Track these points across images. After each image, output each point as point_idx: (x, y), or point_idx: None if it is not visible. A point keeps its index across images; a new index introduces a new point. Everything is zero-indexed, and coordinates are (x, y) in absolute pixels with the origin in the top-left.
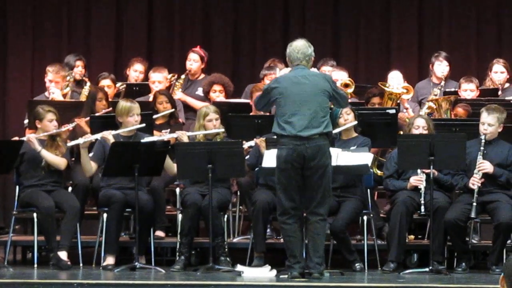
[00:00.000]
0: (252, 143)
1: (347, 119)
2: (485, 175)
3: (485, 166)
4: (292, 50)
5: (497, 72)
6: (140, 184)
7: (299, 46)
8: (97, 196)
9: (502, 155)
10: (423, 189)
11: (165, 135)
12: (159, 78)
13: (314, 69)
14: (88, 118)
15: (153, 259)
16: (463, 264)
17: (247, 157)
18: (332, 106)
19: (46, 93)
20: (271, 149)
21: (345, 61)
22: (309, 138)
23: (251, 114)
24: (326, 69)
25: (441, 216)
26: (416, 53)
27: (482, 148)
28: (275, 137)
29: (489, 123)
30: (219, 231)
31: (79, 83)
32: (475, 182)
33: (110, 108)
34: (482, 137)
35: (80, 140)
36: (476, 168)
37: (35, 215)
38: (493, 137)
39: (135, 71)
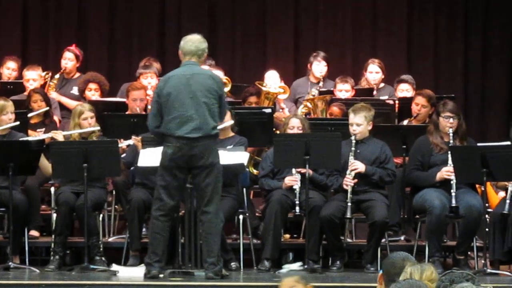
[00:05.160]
0: (130, 142)
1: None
2: (359, 175)
3: (356, 165)
4: (186, 42)
5: (372, 72)
6: (14, 183)
7: (194, 39)
8: None
9: (375, 153)
10: (297, 189)
11: (41, 135)
12: (33, 76)
13: (205, 67)
14: None
15: (27, 259)
16: (338, 262)
17: (123, 155)
18: None
19: None
20: (147, 148)
21: (221, 60)
22: (196, 138)
23: (127, 113)
24: (204, 67)
25: (316, 215)
26: (292, 52)
27: (353, 148)
28: (151, 135)
29: (357, 123)
30: (93, 231)
31: None
32: (348, 182)
33: None
34: (352, 137)
35: None
36: (348, 169)
37: None
38: (364, 136)
39: (8, 69)
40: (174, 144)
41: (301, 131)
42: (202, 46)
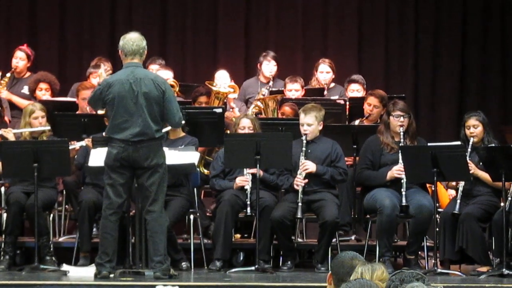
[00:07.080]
0: (82, 143)
1: None
2: (310, 174)
3: (307, 166)
4: (126, 42)
5: (323, 72)
6: None
7: (134, 38)
8: None
9: (326, 152)
10: (249, 189)
11: None
12: None
13: (155, 66)
14: None
15: None
16: (289, 262)
17: (75, 157)
18: None
19: None
20: (98, 148)
21: (172, 59)
22: (140, 141)
23: (77, 113)
24: (154, 68)
25: (267, 215)
26: (242, 52)
27: (304, 148)
28: (103, 135)
29: (308, 123)
30: (44, 231)
31: None
32: (298, 182)
33: None
34: (303, 138)
35: None
36: (299, 169)
37: None
38: (315, 136)
39: None
40: (119, 145)
41: (252, 131)
42: (143, 44)
